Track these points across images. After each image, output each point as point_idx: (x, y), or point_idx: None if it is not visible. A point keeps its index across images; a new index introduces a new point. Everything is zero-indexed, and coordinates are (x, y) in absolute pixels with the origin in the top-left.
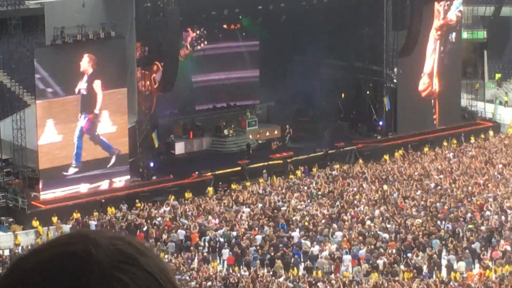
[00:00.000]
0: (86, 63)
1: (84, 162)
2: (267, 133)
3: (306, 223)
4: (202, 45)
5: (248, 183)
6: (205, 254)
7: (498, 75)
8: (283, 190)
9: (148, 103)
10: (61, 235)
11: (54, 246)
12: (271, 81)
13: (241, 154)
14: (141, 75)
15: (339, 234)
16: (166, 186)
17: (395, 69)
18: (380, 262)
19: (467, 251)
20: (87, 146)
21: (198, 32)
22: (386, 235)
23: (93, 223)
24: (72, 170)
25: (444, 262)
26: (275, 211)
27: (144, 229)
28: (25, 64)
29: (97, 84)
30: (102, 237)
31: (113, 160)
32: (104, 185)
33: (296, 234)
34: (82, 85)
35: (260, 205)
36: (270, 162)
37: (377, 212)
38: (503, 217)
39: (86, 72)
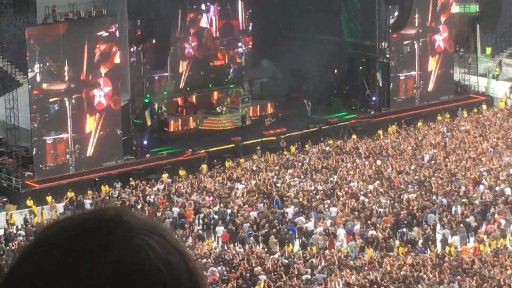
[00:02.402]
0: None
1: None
2: (257, 112)
3: (301, 199)
4: None
5: (242, 160)
6: (199, 231)
7: (488, 49)
8: (277, 167)
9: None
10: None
11: (89, 211)
12: (263, 57)
13: (235, 131)
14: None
15: (333, 209)
16: (159, 164)
17: (384, 43)
18: (374, 237)
19: (461, 225)
20: None
21: None
22: (380, 210)
23: (87, 202)
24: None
25: (438, 236)
26: (269, 187)
27: (139, 207)
28: (16, 43)
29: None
30: (134, 212)
31: None
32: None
33: (290, 210)
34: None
35: (254, 181)
36: (263, 139)
37: (371, 187)
38: (497, 190)
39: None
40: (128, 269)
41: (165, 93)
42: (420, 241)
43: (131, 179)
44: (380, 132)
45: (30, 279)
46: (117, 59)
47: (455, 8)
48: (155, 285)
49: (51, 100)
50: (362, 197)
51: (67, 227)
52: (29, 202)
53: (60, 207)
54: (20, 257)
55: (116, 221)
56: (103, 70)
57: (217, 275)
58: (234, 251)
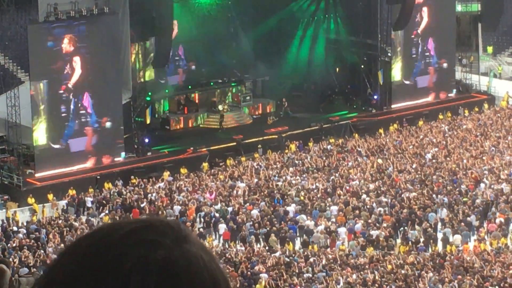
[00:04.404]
0: (66, 44)
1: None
2: (256, 111)
3: (302, 198)
4: None
5: (243, 158)
6: (200, 229)
7: (490, 48)
8: (278, 165)
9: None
10: None
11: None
12: (265, 55)
13: (236, 129)
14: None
15: (334, 208)
16: (161, 162)
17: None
18: (375, 236)
19: (462, 224)
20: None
21: None
22: (382, 209)
23: (89, 200)
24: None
25: (440, 235)
26: (271, 186)
27: (142, 205)
28: (18, 41)
29: (76, 61)
30: None
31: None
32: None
33: (291, 208)
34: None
35: (256, 180)
36: (265, 137)
37: (372, 186)
38: (498, 189)
39: (67, 51)
40: (175, 268)
41: (166, 91)
42: (422, 240)
43: (132, 177)
44: (382, 130)
45: (78, 261)
46: (118, 57)
47: (457, 7)
48: None
49: (54, 97)
50: (363, 196)
51: (130, 221)
52: (31, 200)
53: (61, 204)
54: (76, 240)
55: (175, 228)
56: (104, 68)
57: None
58: (235, 250)
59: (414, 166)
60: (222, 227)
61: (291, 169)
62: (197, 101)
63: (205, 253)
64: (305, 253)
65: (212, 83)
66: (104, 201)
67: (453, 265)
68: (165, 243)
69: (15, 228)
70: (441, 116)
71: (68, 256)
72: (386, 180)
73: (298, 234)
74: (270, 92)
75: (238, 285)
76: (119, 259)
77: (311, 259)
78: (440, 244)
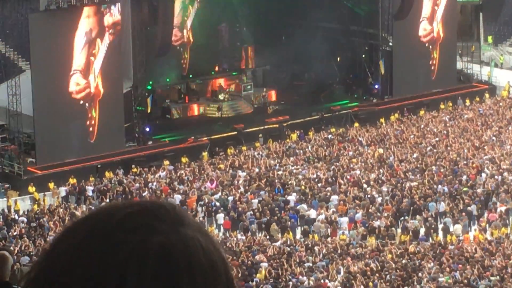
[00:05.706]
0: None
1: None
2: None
3: (303, 187)
4: None
5: (244, 148)
6: (201, 219)
7: (490, 38)
8: (280, 154)
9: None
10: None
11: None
12: (266, 45)
13: (237, 118)
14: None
15: (335, 197)
16: (162, 151)
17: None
18: (376, 225)
19: (463, 213)
20: None
21: None
22: (382, 198)
23: (89, 188)
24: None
25: (440, 225)
26: (272, 175)
27: (144, 194)
28: (19, 30)
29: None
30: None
31: None
32: None
33: (292, 198)
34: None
35: (256, 169)
36: (266, 126)
37: (373, 175)
38: (499, 179)
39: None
40: (172, 254)
41: (167, 80)
42: (422, 229)
43: (133, 166)
44: (383, 120)
45: (74, 248)
46: (120, 45)
47: None
48: (197, 276)
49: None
50: (364, 185)
51: (125, 205)
52: (31, 189)
53: (62, 191)
54: (70, 226)
55: (170, 211)
56: (106, 57)
57: None
58: (236, 239)
59: (415, 155)
60: (222, 216)
61: (292, 158)
62: (197, 90)
63: (202, 235)
64: (306, 242)
65: (213, 72)
66: (105, 190)
67: (454, 255)
68: (161, 228)
69: (15, 217)
70: (442, 106)
71: (63, 243)
72: (387, 170)
73: (298, 224)
74: (271, 81)
75: (239, 275)
76: (115, 247)
77: (313, 248)
78: (440, 234)
